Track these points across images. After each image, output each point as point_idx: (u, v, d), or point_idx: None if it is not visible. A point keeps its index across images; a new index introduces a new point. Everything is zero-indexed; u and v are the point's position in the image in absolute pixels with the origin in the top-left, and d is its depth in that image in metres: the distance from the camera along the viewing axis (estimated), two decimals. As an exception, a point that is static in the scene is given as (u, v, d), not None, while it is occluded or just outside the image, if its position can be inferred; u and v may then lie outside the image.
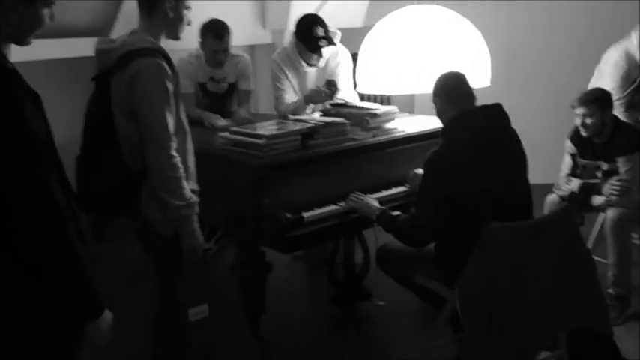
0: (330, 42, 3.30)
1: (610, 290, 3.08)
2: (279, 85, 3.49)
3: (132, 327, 2.42)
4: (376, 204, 2.56)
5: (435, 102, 2.47)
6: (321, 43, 3.28)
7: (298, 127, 2.66)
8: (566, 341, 2.35)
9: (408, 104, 5.28)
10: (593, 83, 3.59)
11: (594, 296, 2.29)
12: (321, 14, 3.46)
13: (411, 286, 2.73)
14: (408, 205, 2.54)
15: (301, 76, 3.51)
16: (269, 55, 3.83)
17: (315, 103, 3.41)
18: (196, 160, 2.19)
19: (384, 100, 5.50)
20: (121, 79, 1.99)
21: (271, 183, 2.44)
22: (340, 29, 3.54)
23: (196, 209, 2.10)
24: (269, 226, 2.40)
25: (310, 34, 3.28)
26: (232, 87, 3.72)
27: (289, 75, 3.49)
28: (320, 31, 3.27)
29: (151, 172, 2.01)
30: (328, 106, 3.20)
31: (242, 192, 2.52)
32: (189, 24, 2.13)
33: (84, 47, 3.20)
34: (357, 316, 3.19)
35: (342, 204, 2.60)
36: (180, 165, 2.03)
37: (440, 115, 2.46)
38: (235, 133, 2.68)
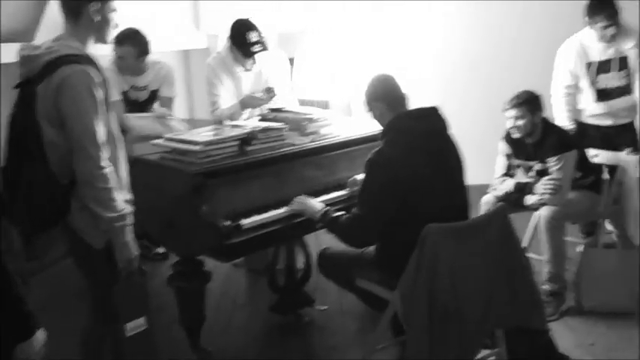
0: (264, 47, 3.26)
1: (545, 287, 3.17)
2: (214, 91, 3.43)
3: (66, 344, 2.31)
4: (320, 205, 2.55)
5: (372, 107, 2.47)
6: (254, 49, 3.24)
7: (235, 132, 2.61)
8: (505, 339, 2.39)
9: (346, 108, 5.31)
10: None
11: (530, 293, 2.34)
12: (256, 19, 3.43)
13: (352, 289, 2.72)
14: (349, 209, 2.54)
15: (237, 80, 3.46)
16: (204, 59, 3.77)
17: (251, 108, 3.38)
18: (129, 168, 2.11)
19: (323, 104, 5.51)
20: (47, 88, 1.91)
21: (208, 190, 2.38)
22: (277, 34, 3.52)
23: (130, 220, 2.03)
24: (207, 235, 2.34)
25: (244, 39, 3.24)
26: (154, 94, 3.65)
27: (225, 80, 3.44)
28: (253, 36, 3.24)
29: (80, 183, 1.94)
30: (266, 111, 3.17)
31: (178, 200, 2.45)
32: (115, 27, 2.06)
33: (6, 53, 3.06)
34: (299, 322, 3.17)
35: (283, 209, 2.57)
36: (111, 175, 1.96)
37: (378, 119, 2.47)
38: (170, 140, 2.61)
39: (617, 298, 3.12)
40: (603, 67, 3.60)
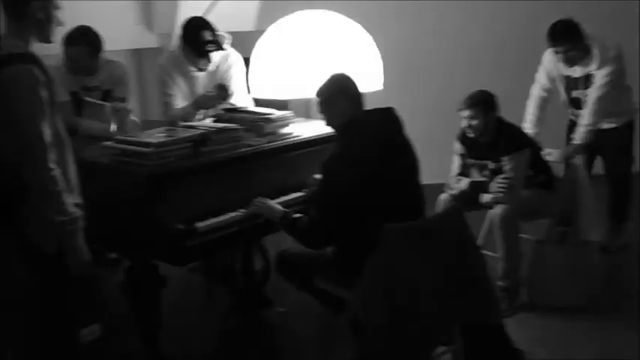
0: (219, 47, 3.21)
1: (500, 283, 3.22)
2: (167, 91, 3.36)
3: (18, 353, 2.23)
4: (279, 207, 2.53)
5: (333, 104, 2.45)
6: (209, 48, 3.18)
7: (189, 133, 2.56)
8: (461, 335, 2.41)
9: (304, 109, 5.29)
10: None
11: (486, 290, 2.37)
12: (210, 17, 3.37)
13: (311, 290, 2.71)
14: (309, 211, 2.53)
15: (190, 80, 3.40)
16: (157, 59, 3.69)
17: (205, 108, 3.32)
18: (78, 171, 2.05)
19: (280, 105, 5.47)
20: (-10, 89, 1.84)
21: (161, 193, 2.33)
22: (231, 33, 3.47)
23: (81, 223, 1.98)
24: (160, 239, 2.29)
25: (198, 38, 3.17)
26: (107, 95, 3.55)
27: (178, 80, 3.36)
28: (208, 35, 3.18)
29: (29, 186, 1.88)
30: (221, 112, 3.12)
31: (130, 204, 2.39)
32: (60, 25, 1.99)
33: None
34: (258, 324, 3.14)
35: (240, 212, 2.54)
36: (59, 178, 1.90)
37: (335, 119, 2.46)
38: (120, 141, 2.54)
39: (568, 293, 3.20)
40: (573, 82, 3.72)
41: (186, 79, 3.38)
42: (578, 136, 3.59)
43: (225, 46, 3.30)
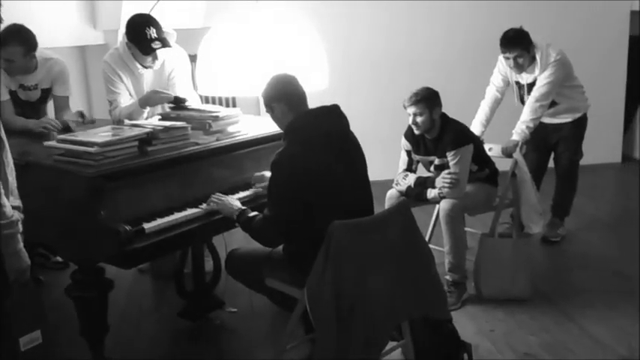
0: (164, 44, 3.16)
1: (447, 277, 3.29)
2: (112, 89, 3.29)
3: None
4: (238, 204, 2.52)
5: (272, 107, 2.46)
6: (154, 45, 3.13)
7: (134, 132, 2.51)
8: (410, 330, 2.46)
9: (254, 106, 5.28)
10: None
11: (433, 284, 2.41)
12: (156, 14, 3.32)
13: (262, 290, 2.70)
14: (259, 208, 2.52)
15: (136, 78, 3.33)
16: (102, 56, 3.61)
17: (151, 106, 3.27)
18: (18, 173, 1.98)
19: (229, 102, 5.44)
20: None
21: (107, 194, 2.28)
22: (178, 30, 3.42)
23: (19, 227, 1.91)
24: (106, 241, 2.23)
25: (142, 35, 3.11)
26: (47, 93, 3.44)
27: (123, 77, 3.30)
28: (153, 33, 3.12)
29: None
30: (167, 110, 3.07)
31: (74, 205, 2.33)
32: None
33: None
34: (209, 326, 3.11)
35: (188, 212, 2.51)
36: (-3, 179, 1.83)
37: (279, 120, 2.47)
38: (64, 141, 2.47)
39: (513, 285, 3.29)
40: (522, 88, 3.90)
41: (132, 76, 3.33)
42: (517, 132, 3.72)
43: (170, 43, 3.25)
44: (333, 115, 2.45)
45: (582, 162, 4.15)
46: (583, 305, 3.23)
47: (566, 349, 2.82)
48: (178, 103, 3.00)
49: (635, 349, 2.79)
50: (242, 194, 2.75)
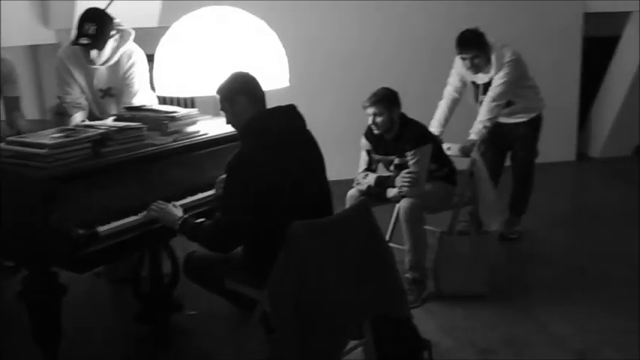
0: (93, 44, 3.04)
1: (408, 275, 3.31)
2: (62, 85, 3.22)
3: None
4: (179, 212, 2.45)
5: (234, 101, 2.42)
6: (81, 40, 3.02)
7: (88, 133, 2.44)
8: (371, 328, 2.46)
9: (214, 106, 5.21)
10: None
11: (394, 283, 2.42)
12: (111, 13, 3.24)
13: (221, 292, 2.67)
14: (216, 210, 2.48)
15: (89, 74, 3.26)
16: (54, 55, 3.52)
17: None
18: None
19: (188, 102, 5.37)
20: None
21: (59, 197, 2.21)
22: (134, 29, 3.36)
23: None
24: (58, 245, 2.17)
25: (79, 28, 3.03)
26: None
27: (75, 73, 3.23)
28: (89, 29, 3.01)
29: None
30: (122, 110, 3.01)
31: (25, 209, 2.25)
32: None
33: None
34: (168, 329, 3.06)
35: (144, 214, 2.46)
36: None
37: (238, 115, 2.43)
38: (12, 143, 2.39)
39: (471, 282, 3.34)
40: (478, 88, 3.94)
41: (86, 72, 3.25)
42: (474, 132, 3.77)
43: (129, 42, 3.19)
44: (289, 115, 2.44)
45: (538, 160, 4.23)
46: (540, 300, 3.30)
47: (524, 344, 2.87)
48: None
49: (592, 342, 2.86)
50: (201, 196, 2.71)
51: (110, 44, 3.14)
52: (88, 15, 3.07)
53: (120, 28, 3.19)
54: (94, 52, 3.11)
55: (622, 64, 6.10)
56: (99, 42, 3.07)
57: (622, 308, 3.16)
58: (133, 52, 3.29)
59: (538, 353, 2.79)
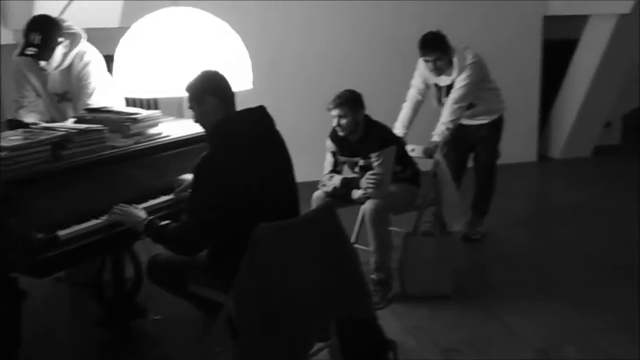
0: (37, 55, 3.02)
1: (373, 276, 3.32)
2: (19, 88, 3.19)
3: None
4: (143, 214, 2.42)
5: (204, 101, 2.38)
6: (27, 51, 3.01)
7: (47, 136, 2.39)
8: (336, 330, 2.46)
9: (177, 107, 5.16)
10: None
11: (358, 284, 2.42)
12: (69, 14, 3.20)
13: (185, 296, 2.63)
14: (179, 213, 2.45)
15: (43, 78, 3.22)
16: (12, 55, 3.43)
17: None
18: None
19: (152, 104, 5.30)
20: None
21: (17, 200, 2.15)
22: (94, 29, 3.31)
23: None
24: (17, 250, 2.12)
25: (25, 38, 3.01)
26: None
27: (30, 77, 3.19)
28: (35, 39, 2.99)
29: None
30: (83, 112, 2.95)
31: (-18, 213, 2.19)
32: None
33: None
34: (131, 334, 3.01)
35: (105, 218, 2.41)
36: None
37: (208, 115, 2.40)
38: (-32, 146, 2.32)
39: (436, 282, 3.37)
40: (441, 90, 3.98)
41: (40, 75, 3.21)
42: (437, 133, 3.82)
43: (80, 44, 3.15)
44: (259, 118, 2.42)
45: (500, 161, 4.31)
46: (503, 300, 3.35)
47: (487, 344, 2.91)
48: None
49: (554, 341, 2.92)
50: (163, 198, 2.68)
51: (60, 50, 3.12)
52: (34, 24, 3.04)
53: (70, 32, 3.15)
54: (42, 62, 3.08)
55: (581, 67, 6.26)
56: (44, 52, 3.05)
57: (582, 307, 3.24)
58: (85, 53, 3.25)
59: (501, 352, 2.84)
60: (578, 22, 6.20)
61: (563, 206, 5.15)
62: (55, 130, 2.49)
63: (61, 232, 2.23)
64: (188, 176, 2.61)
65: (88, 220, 2.37)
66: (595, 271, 3.67)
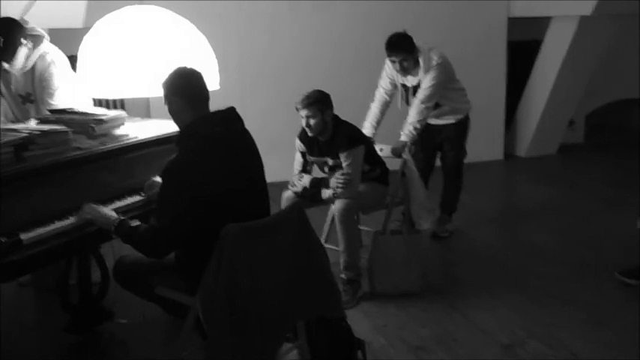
0: (0, 58, 3.00)
1: (342, 275, 3.34)
2: None
3: None
4: (113, 214, 2.40)
5: (169, 103, 2.37)
6: None
7: (9, 137, 2.34)
8: (305, 330, 2.47)
9: (144, 108, 5.11)
10: None
11: (327, 284, 2.43)
12: (33, 14, 3.14)
13: (153, 298, 2.60)
14: (148, 215, 2.43)
15: (6, 80, 3.17)
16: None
17: None
18: None
19: (118, 104, 5.24)
20: None
21: (-22, 204, 2.12)
22: (58, 30, 3.26)
23: None
24: (-22, 254, 2.08)
25: None
26: None
27: None
28: None
29: None
30: (47, 113, 2.91)
31: (-59, 217, 2.14)
32: None
33: None
34: (98, 339, 2.97)
35: (70, 220, 2.38)
36: None
37: (176, 115, 2.38)
38: None
39: (405, 280, 3.40)
40: (408, 90, 4.02)
41: (3, 78, 3.16)
42: (405, 133, 3.85)
43: (42, 45, 3.11)
44: (229, 119, 2.40)
45: (467, 160, 4.37)
46: (470, 297, 3.40)
47: (454, 340, 2.95)
48: None
49: (519, 336, 2.97)
50: (130, 200, 2.65)
51: (22, 52, 3.09)
52: None
53: (33, 33, 3.12)
54: (4, 64, 3.03)
55: (544, 67, 6.38)
56: (6, 54, 3.02)
57: (547, 303, 3.30)
58: (47, 54, 3.22)
59: (468, 348, 2.88)
60: (542, 23, 6.32)
61: (529, 204, 5.24)
62: (18, 131, 2.44)
63: (24, 235, 2.19)
64: (157, 179, 2.59)
65: (53, 222, 2.33)
66: (560, 268, 3.75)
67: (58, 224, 2.34)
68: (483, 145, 5.98)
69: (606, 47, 6.21)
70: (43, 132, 2.47)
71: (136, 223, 2.34)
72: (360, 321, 3.09)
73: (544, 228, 4.50)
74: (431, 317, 3.17)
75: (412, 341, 2.94)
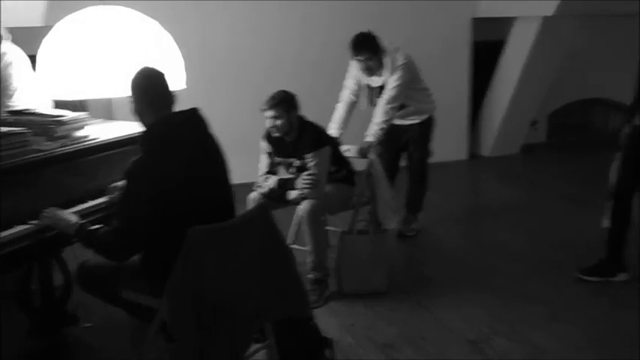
0: None
1: (310, 276, 3.34)
2: None
3: None
4: (74, 217, 2.35)
5: (132, 100, 2.34)
6: None
7: (-35, 140, 2.29)
8: (274, 331, 2.46)
9: (107, 109, 5.02)
10: None
11: (294, 285, 2.43)
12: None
13: (117, 302, 2.57)
14: (110, 217, 2.39)
15: None
16: None
17: None
18: None
19: (79, 106, 5.13)
20: None
21: None
22: (18, 29, 3.18)
23: None
24: None
25: None
26: None
27: None
28: None
29: None
30: (4, 114, 2.84)
31: None
32: None
33: None
34: (62, 343, 2.91)
35: (29, 225, 2.32)
36: None
37: (140, 114, 2.35)
38: None
39: (372, 279, 3.42)
40: (373, 91, 4.03)
41: None
42: (371, 134, 3.87)
43: (2, 44, 3.03)
44: (192, 121, 2.38)
45: (432, 160, 4.41)
46: (436, 295, 3.43)
47: (421, 337, 2.98)
48: None
49: (484, 333, 3.01)
50: (92, 203, 2.61)
51: None
52: None
53: None
54: None
55: (508, 68, 6.48)
56: None
57: (511, 300, 3.35)
58: (5, 54, 3.14)
59: (434, 345, 2.91)
60: (505, 24, 6.42)
61: (494, 203, 5.32)
62: (-26, 133, 2.38)
63: (-17, 240, 2.14)
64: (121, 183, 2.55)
65: (12, 226, 2.28)
66: (524, 266, 3.81)
67: (17, 228, 2.29)
68: (448, 144, 6.05)
69: (569, 47, 6.34)
70: (1, 134, 2.41)
71: (96, 226, 2.30)
72: (328, 320, 3.10)
73: (509, 226, 4.58)
74: (398, 316, 3.20)
75: (380, 340, 2.96)
